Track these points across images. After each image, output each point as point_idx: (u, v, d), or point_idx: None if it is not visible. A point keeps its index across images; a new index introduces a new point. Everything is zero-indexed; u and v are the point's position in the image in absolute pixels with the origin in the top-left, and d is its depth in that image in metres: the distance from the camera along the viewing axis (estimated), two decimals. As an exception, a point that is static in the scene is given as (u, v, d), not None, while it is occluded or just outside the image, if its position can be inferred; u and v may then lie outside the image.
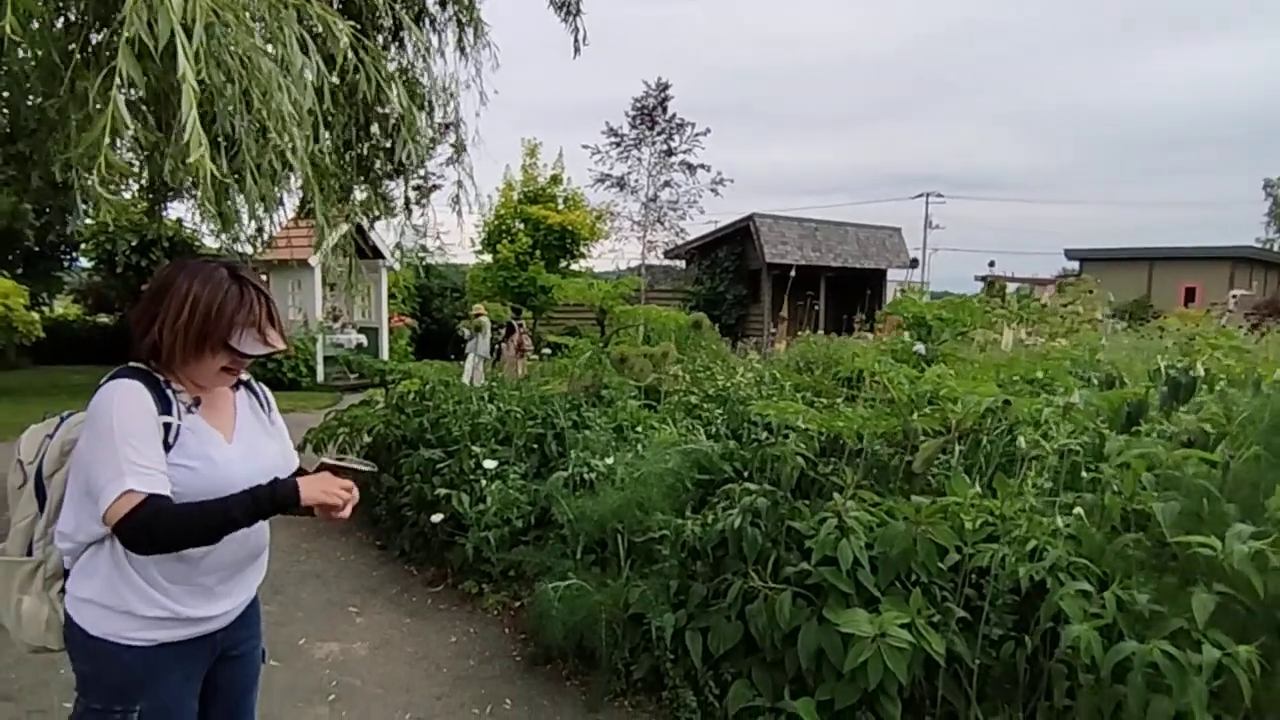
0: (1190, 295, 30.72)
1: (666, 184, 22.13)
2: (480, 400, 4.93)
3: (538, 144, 19.10)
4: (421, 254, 22.15)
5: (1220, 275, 31.23)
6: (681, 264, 25.38)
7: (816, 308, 20.14)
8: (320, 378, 13.74)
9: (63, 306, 17.56)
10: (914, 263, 24.71)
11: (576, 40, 5.25)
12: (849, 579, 2.65)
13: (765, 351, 9.41)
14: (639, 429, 4.53)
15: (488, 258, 18.88)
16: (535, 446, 4.55)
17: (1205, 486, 2.26)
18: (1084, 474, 2.74)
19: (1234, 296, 22.96)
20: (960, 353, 5.27)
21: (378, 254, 15.18)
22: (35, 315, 11.52)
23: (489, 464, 4.11)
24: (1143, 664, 1.94)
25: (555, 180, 19.02)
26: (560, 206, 18.74)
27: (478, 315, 12.48)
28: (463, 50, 6.16)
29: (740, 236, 22.32)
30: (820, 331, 14.34)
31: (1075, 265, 37.28)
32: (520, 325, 12.99)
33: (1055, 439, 2.64)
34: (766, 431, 3.87)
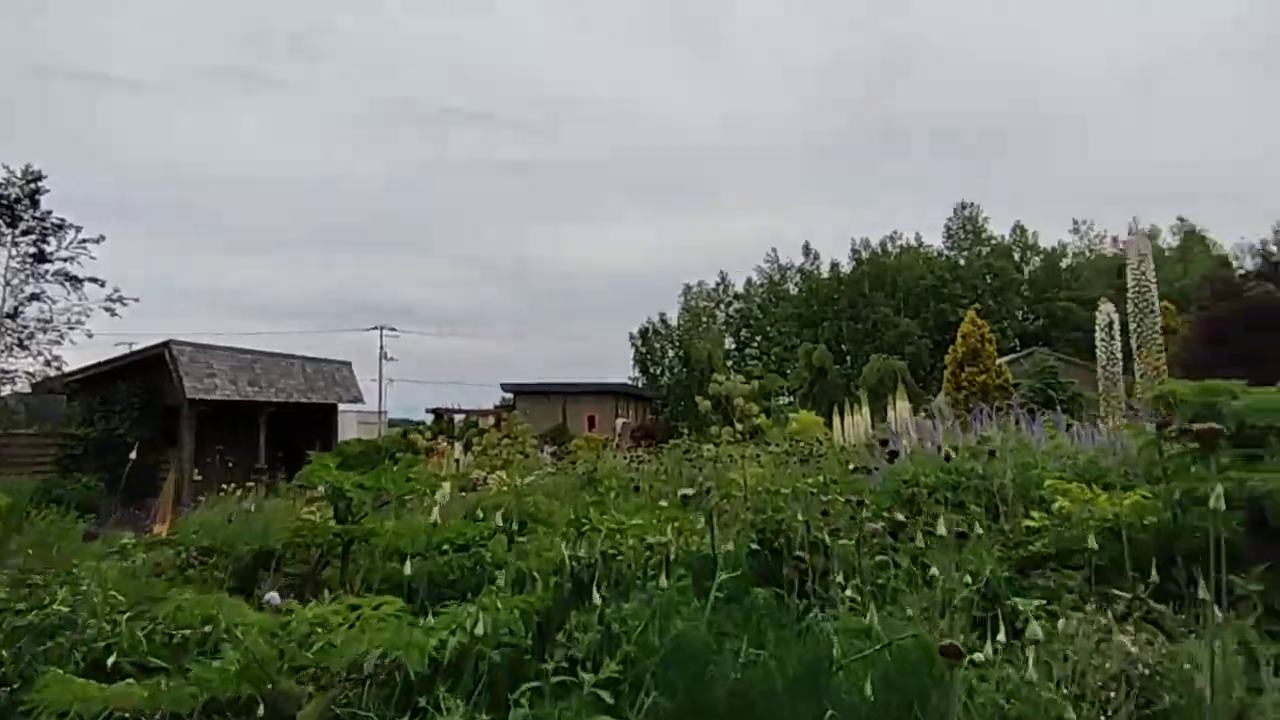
0: (591, 422, 37.87)
1: (35, 297, 16.93)
2: None
3: None
4: None
5: (610, 405, 39.53)
6: (63, 398, 19.47)
7: (229, 462, 17.55)
8: None
9: None
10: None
11: None
12: None
13: (146, 526, 7.24)
14: None
15: None
16: None
17: None
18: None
19: (621, 423, 29.12)
20: (384, 526, 4.65)
21: None
22: None
23: None
24: None
25: None
26: None
27: None
28: None
29: (151, 367, 18.36)
30: (250, 485, 12.28)
31: (510, 397, 42.57)
32: None
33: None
34: None
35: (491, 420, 30.29)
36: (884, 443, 5.44)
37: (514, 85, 74.15)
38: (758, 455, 8.74)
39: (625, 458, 12.37)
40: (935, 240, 53.16)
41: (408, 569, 3.10)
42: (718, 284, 55.83)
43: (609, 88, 73.56)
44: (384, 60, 69.40)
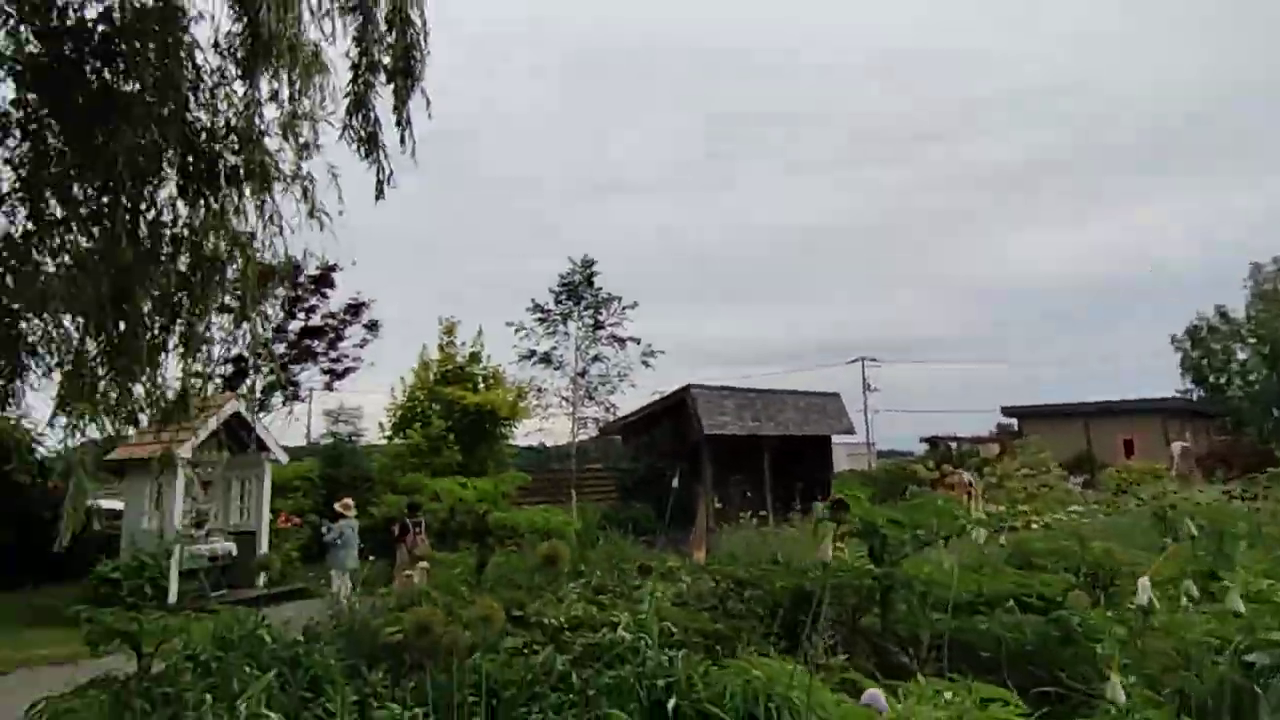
0: (1129, 447, 30.75)
1: (596, 358, 21.33)
2: (204, 700, 3.18)
3: (456, 322, 18.28)
4: (332, 438, 20.39)
5: (1154, 427, 31.55)
6: (619, 439, 24.16)
7: (746, 490, 18.71)
8: (173, 597, 11.38)
9: None
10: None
11: (379, 181, 4.16)
12: None
13: (685, 551, 7.83)
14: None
15: (400, 442, 17.24)
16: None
17: None
18: None
19: (1180, 447, 22.74)
20: (923, 569, 3.86)
21: (262, 446, 13.44)
22: None
23: None
24: None
25: (474, 358, 17.97)
26: (480, 385, 17.53)
27: (341, 511, 10.46)
28: (311, 214, 5.06)
29: (677, 409, 21.34)
30: (763, 514, 12.88)
31: (1013, 422, 37.52)
32: (419, 525, 11.09)
33: None
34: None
35: (995, 448, 26.97)
36: None
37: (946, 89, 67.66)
38: None
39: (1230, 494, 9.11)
40: None
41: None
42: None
43: (1059, 77, 61.24)
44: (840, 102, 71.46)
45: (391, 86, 3.96)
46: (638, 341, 21.63)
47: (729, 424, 21.01)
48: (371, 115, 3.94)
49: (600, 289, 21.10)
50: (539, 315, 21.03)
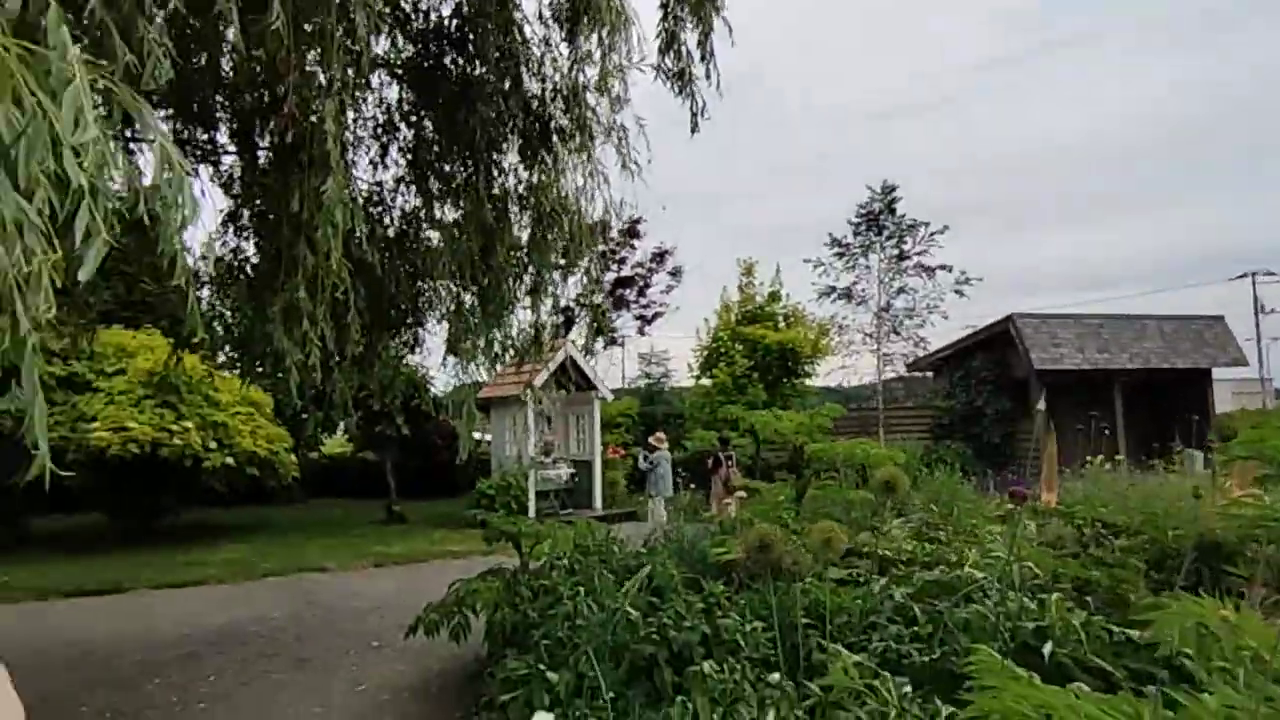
0: None
1: (901, 290, 19.91)
2: (577, 593, 3.65)
3: (754, 262, 18.39)
4: (645, 380, 22.18)
5: None
6: (930, 376, 22.49)
7: (1105, 426, 15.94)
8: (531, 513, 13.52)
9: (338, 445, 20.01)
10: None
11: (694, 115, 4.19)
12: None
13: (1031, 492, 6.94)
14: (819, 621, 2.92)
15: (707, 382, 18.10)
16: (646, 672, 3.12)
17: None
18: None
19: None
20: None
21: (591, 385, 15.10)
22: (293, 458, 12.81)
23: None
24: None
25: (774, 298, 17.97)
26: (780, 324, 17.53)
27: (655, 444, 11.27)
28: (624, 166, 5.44)
29: (999, 342, 19.12)
30: (1116, 458, 11.00)
31: None
32: (729, 458, 11.59)
33: None
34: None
35: None
36: None
37: None
38: None
39: None
40: None
41: None
42: None
43: None
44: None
45: (696, 18, 3.97)
46: (949, 269, 19.72)
47: (1065, 356, 18.28)
48: (683, 51, 4.02)
49: (904, 216, 19.55)
50: (837, 250, 20.24)
